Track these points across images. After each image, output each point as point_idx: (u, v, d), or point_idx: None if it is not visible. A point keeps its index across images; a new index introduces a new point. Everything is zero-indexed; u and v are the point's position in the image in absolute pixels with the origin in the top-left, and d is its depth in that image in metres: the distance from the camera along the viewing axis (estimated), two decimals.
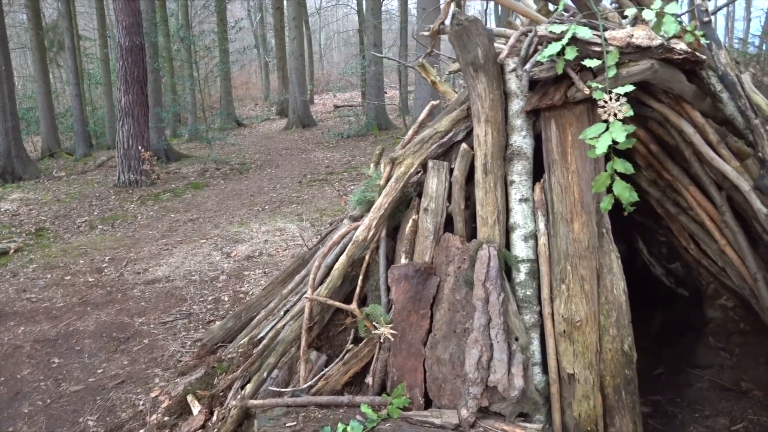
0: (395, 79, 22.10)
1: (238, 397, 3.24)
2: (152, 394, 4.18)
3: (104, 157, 16.43)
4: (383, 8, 29.75)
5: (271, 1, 24.50)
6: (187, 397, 3.91)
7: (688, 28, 2.92)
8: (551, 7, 3.84)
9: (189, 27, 16.79)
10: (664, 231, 4.34)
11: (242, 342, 4.28)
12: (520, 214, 3.15)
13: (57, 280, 6.98)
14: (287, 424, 3.05)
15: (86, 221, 9.79)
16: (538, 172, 3.27)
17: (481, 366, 2.97)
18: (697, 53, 2.86)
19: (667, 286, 4.98)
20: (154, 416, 3.90)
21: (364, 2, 19.35)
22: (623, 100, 2.74)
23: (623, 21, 3.26)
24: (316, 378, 3.32)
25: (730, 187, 3.23)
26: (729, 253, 3.35)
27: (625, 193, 2.81)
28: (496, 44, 3.44)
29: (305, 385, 3.29)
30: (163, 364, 4.69)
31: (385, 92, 22.75)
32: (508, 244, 3.19)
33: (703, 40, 3.14)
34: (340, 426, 2.95)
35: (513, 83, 3.21)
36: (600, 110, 2.75)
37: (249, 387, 3.43)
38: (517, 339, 3.04)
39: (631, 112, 2.73)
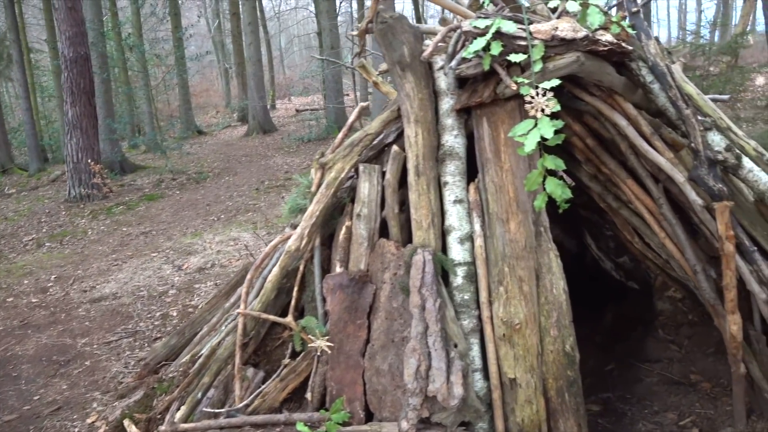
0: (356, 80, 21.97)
1: (168, 420, 3.07)
2: (89, 420, 3.97)
3: (58, 172, 15.91)
4: (345, 10, 29.64)
5: (228, 7, 24.11)
6: (124, 421, 3.71)
7: (614, 19, 2.86)
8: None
9: (140, 35, 16.38)
10: (610, 225, 4.29)
11: (184, 360, 4.11)
12: (455, 215, 3.05)
13: None
14: None
15: (33, 239, 9.44)
16: (473, 172, 3.17)
17: (420, 375, 2.86)
18: (624, 44, 2.79)
19: (617, 280, 4.96)
20: None
21: (321, 5, 19.16)
22: (550, 95, 2.67)
23: (553, 15, 3.19)
24: (253, 396, 3.18)
25: (666, 179, 3.18)
26: (669, 246, 3.30)
27: (558, 190, 2.73)
28: (428, 42, 3.35)
29: (241, 404, 3.15)
30: (103, 387, 4.48)
31: (347, 94, 22.60)
32: (445, 248, 3.09)
33: (631, 31, 3.09)
34: None
35: (442, 82, 3.12)
36: (527, 106, 2.67)
37: (183, 409, 3.27)
38: (456, 345, 2.93)
39: (558, 107, 2.65)
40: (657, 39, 3.40)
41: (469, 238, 3.04)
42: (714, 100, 3.35)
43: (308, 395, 3.15)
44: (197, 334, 4.38)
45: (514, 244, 2.98)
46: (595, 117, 3.32)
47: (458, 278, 3.02)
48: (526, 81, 2.69)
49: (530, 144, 2.64)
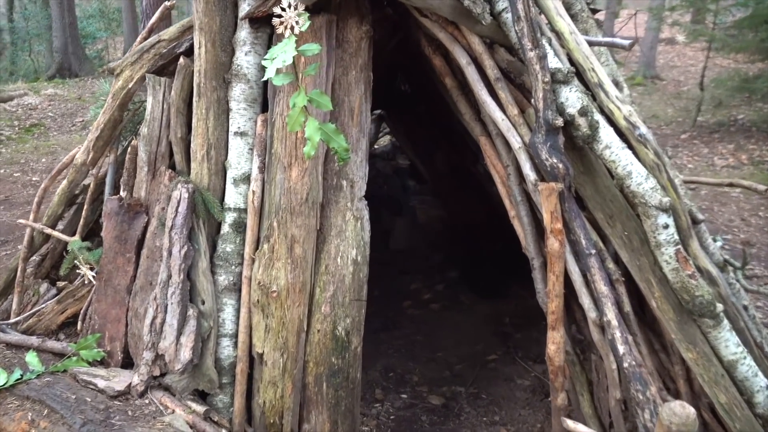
0: None
1: None
2: None
3: None
4: None
5: None
6: None
7: None
8: None
9: None
10: None
11: None
12: (234, 150, 2.54)
13: (6, 176, 7.02)
14: None
15: (82, 121, 9.85)
16: None
17: (155, 329, 2.48)
18: None
19: None
20: None
21: None
22: (302, 8, 2.03)
23: None
24: (29, 313, 2.96)
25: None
26: (516, 227, 2.57)
27: (316, 136, 2.12)
28: None
29: (13, 320, 2.94)
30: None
31: None
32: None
33: None
34: (1, 371, 2.59)
35: None
36: (275, 21, 2.06)
37: None
38: (203, 303, 2.50)
39: (307, 25, 2.01)
40: None
41: (247, 179, 2.52)
42: (606, 45, 2.46)
43: (79, 324, 2.87)
44: None
45: (293, 196, 2.43)
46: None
47: (226, 225, 2.54)
48: None
49: (270, 71, 2.04)
